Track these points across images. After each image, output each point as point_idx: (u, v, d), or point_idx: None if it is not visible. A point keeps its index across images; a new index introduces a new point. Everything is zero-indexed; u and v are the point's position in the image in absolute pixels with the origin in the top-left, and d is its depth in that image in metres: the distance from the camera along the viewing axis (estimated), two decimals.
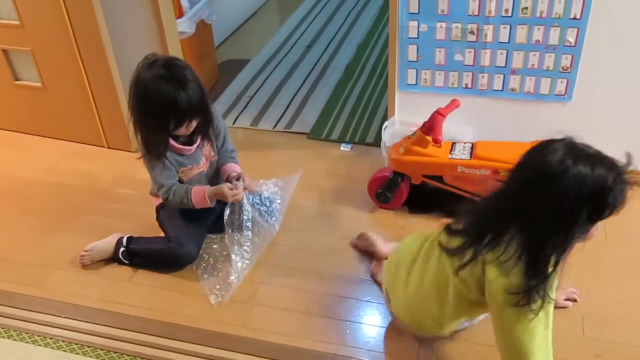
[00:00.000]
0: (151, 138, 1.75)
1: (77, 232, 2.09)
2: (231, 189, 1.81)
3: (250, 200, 1.91)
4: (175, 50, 2.46)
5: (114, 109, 2.46)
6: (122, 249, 1.91)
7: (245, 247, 1.87)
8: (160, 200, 1.95)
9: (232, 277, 1.84)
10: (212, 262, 1.92)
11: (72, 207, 2.24)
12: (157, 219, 1.97)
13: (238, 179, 1.86)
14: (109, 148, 2.60)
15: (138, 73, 1.69)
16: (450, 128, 2.06)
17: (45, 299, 1.83)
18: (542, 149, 1.27)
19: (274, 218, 2.00)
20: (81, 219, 2.17)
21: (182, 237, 1.86)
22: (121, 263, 1.92)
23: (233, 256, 1.86)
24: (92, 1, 2.20)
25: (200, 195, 1.81)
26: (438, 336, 1.60)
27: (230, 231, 1.85)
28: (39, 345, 1.69)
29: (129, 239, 1.93)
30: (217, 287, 1.82)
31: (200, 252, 1.93)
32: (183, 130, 1.76)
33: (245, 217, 1.86)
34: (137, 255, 1.92)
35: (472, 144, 2.00)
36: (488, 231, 1.29)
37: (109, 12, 2.30)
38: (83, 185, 2.37)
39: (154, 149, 1.77)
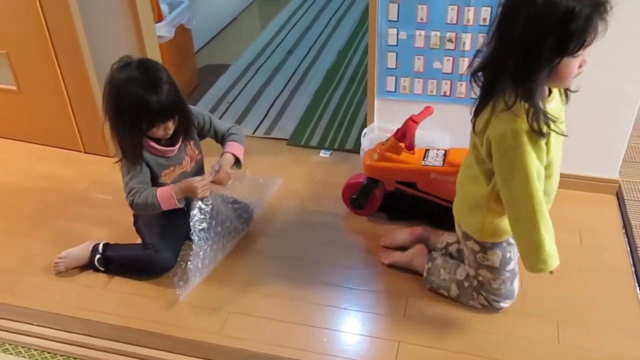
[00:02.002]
0: (125, 140, 1.73)
1: (50, 238, 2.06)
2: (198, 183, 1.75)
3: (225, 198, 1.89)
4: (154, 55, 2.44)
5: (91, 113, 2.43)
6: (97, 256, 1.88)
7: (208, 239, 1.82)
8: None
9: (191, 266, 1.79)
10: (183, 265, 1.89)
11: (46, 212, 2.20)
12: (135, 224, 1.95)
13: (219, 170, 1.82)
14: (85, 152, 2.57)
15: (111, 74, 1.68)
16: (428, 135, 2.07)
17: (16, 306, 1.80)
18: None
19: (244, 215, 1.99)
20: (55, 224, 2.14)
21: (159, 244, 1.84)
22: (97, 270, 1.90)
23: (194, 247, 1.79)
24: (69, 4, 2.18)
25: (167, 193, 1.75)
26: (492, 241, 1.60)
27: (195, 219, 1.78)
28: (10, 354, 1.66)
29: (105, 245, 1.90)
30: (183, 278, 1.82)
31: (178, 259, 1.91)
32: (160, 133, 1.74)
33: (209, 211, 1.80)
34: (113, 262, 1.89)
35: (445, 150, 2.01)
36: (486, 73, 1.37)
37: (86, 15, 2.27)
38: (58, 189, 2.33)
39: (129, 151, 1.75)
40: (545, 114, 1.32)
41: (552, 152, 1.41)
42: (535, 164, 1.37)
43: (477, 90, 1.43)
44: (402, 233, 1.97)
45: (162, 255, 1.83)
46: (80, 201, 2.27)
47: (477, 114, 1.45)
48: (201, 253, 1.81)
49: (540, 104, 1.32)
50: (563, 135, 1.41)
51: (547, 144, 1.37)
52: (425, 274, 1.78)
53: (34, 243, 2.05)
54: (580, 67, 1.32)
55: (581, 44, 1.24)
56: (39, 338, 1.71)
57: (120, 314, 1.76)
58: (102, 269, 1.89)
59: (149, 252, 1.82)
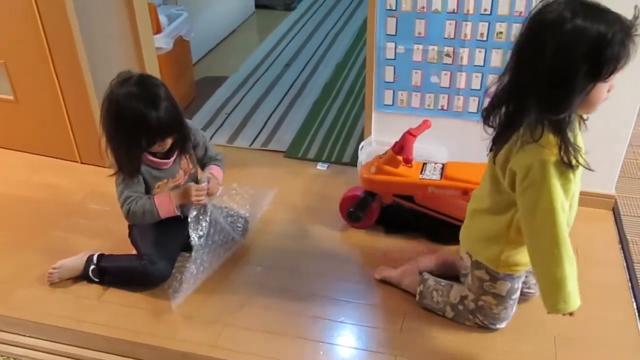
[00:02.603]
0: (123, 155, 1.73)
1: (45, 248, 2.04)
2: (196, 191, 1.76)
3: (220, 209, 1.89)
4: (152, 66, 2.44)
5: (88, 124, 2.43)
6: (92, 267, 1.87)
7: (205, 246, 1.82)
8: None
9: (186, 272, 1.80)
10: (179, 277, 1.88)
11: (42, 222, 2.19)
12: (130, 235, 1.94)
13: (209, 181, 1.84)
14: (82, 163, 2.56)
15: (111, 90, 1.68)
16: (425, 149, 2.07)
17: (9, 317, 1.78)
18: (543, 7, 1.26)
19: (239, 226, 1.99)
20: (50, 234, 2.13)
21: (154, 255, 1.83)
22: (91, 281, 1.88)
23: (193, 253, 1.80)
24: (68, 14, 2.18)
25: (166, 199, 1.76)
26: (508, 272, 1.57)
27: (193, 231, 1.79)
28: None
29: (100, 256, 1.89)
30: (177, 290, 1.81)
31: (174, 270, 1.90)
32: (157, 148, 1.74)
33: (208, 219, 1.81)
34: (108, 273, 1.88)
35: (443, 164, 2.01)
36: (508, 106, 1.34)
37: (85, 25, 2.28)
38: (54, 200, 2.32)
39: (126, 166, 1.74)
40: (574, 146, 1.30)
41: (577, 183, 1.39)
42: (560, 196, 1.34)
43: (491, 129, 1.42)
44: (426, 258, 1.92)
45: (158, 266, 1.82)
46: (76, 211, 2.25)
47: (497, 146, 1.41)
48: (198, 260, 1.81)
49: (570, 136, 1.30)
50: (589, 169, 1.37)
51: (573, 174, 1.35)
52: (417, 296, 1.76)
53: (29, 253, 2.03)
54: (608, 91, 1.30)
55: (614, 68, 1.22)
56: (31, 349, 1.70)
57: (113, 325, 1.74)
58: (97, 280, 1.87)
59: (144, 262, 1.81)
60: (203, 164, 1.97)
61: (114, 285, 1.88)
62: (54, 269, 1.88)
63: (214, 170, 1.93)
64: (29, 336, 1.73)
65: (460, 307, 1.69)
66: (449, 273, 1.84)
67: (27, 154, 2.62)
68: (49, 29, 2.24)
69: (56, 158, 2.58)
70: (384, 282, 1.87)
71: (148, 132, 1.67)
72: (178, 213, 1.79)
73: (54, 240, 2.10)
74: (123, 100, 1.64)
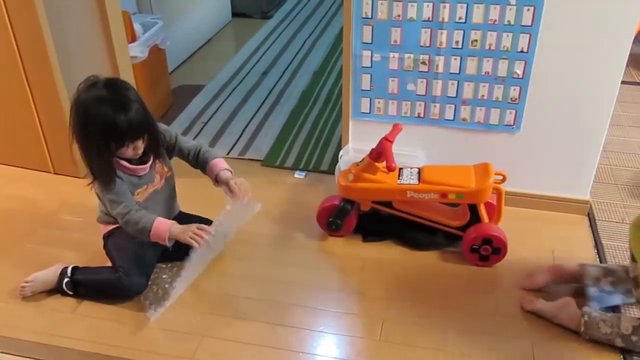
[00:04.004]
0: (95, 161, 1.70)
1: (17, 261, 2.00)
2: (198, 230, 1.72)
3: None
4: (127, 75, 2.42)
5: (61, 134, 2.37)
6: (66, 280, 1.83)
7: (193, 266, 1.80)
8: (108, 228, 1.88)
9: (172, 293, 1.80)
10: (160, 293, 1.86)
11: (13, 235, 2.14)
12: (105, 247, 1.91)
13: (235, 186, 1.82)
14: (55, 174, 2.52)
15: (78, 94, 1.66)
16: (402, 158, 2.07)
17: None
18: None
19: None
20: (22, 247, 2.08)
21: (129, 267, 1.80)
22: (65, 294, 1.84)
23: (183, 272, 1.79)
24: (40, 23, 2.15)
25: (164, 227, 1.73)
26: None
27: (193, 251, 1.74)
28: None
29: (74, 269, 1.85)
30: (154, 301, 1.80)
31: (150, 282, 1.87)
32: (130, 153, 1.72)
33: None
34: (82, 285, 1.84)
35: (419, 168, 2.02)
36: None
37: (58, 33, 2.24)
38: (26, 211, 2.28)
39: (100, 172, 1.72)
40: None
41: None
42: None
43: None
44: (541, 273, 1.87)
45: (133, 279, 1.79)
46: (49, 223, 2.21)
47: None
48: (186, 278, 1.80)
49: None
50: None
51: None
52: (582, 327, 1.67)
53: (1, 268, 1.98)
54: None
55: None
56: None
57: (89, 339, 1.71)
58: (71, 292, 1.84)
59: (119, 275, 1.78)
60: (193, 160, 1.93)
61: (88, 297, 1.84)
62: (26, 282, 1.84)
63: (222, 164, 1.90)
64: (1, 352, 1.68)
65: (635, 338, 1.61)
66: (566, 282, 1.83)
67: None
68: (20, 37, 2.20)
69: (29, 169, 2.54)
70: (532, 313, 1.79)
71: (118, 134, 1.64)
72: (168, 245, 1.76)
73: (27, 252, 2.05)
74: (91, 104, 1.62)
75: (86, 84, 1.67)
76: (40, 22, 2.15)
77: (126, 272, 1.78)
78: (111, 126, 1.62)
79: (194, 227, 1.74)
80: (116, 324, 1.76)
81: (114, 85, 1.67)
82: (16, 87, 2.31)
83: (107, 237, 1.90)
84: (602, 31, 1.88)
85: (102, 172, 1.72)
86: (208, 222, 1.90)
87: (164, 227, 1.74)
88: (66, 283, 1.83)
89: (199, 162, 1.93)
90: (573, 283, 1.84)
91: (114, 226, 1.88)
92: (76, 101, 1.66)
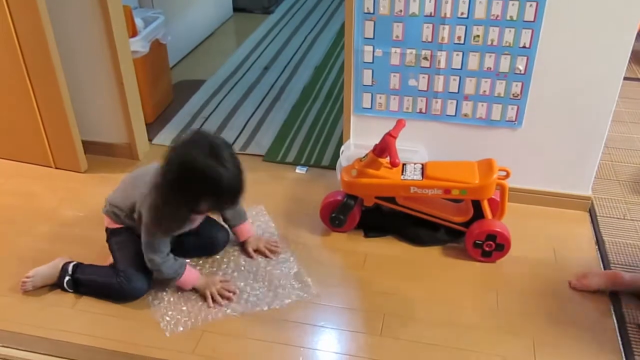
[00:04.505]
0: (172, 213, 1.67)
1: (18, 256, 2.00)
2: (222, 291, 1.82)
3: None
4: (127, 70, 2.41)
5: (62, 128, 2.39)
6: (67, 278, 1.82)
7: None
8: (114, 225, 1.87)
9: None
10: (163, 289, 1.85)
11: (14, 230, 2.14)
12: (108, 241, 1.90)
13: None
14: (56, 168, 2.51)
15: (193, 156, 1.59)
16: (403, 154, 2.07)
17: None
18: None
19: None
20: (23, 242, 2.08)
21: (131, 272, 1.78)
22: (65, 291, 1.84)
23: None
24: (41, 17, 2.14)
25: (191, 279, 1.81)
26: None
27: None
28: None
29: (75, 266, 1.85)
30: (169, 313, 1.77)
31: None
32: (208, 213, 1.80)
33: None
34: (83, 285, 1.84)
35: (422, 164, 2.02)
36: None
37: (59, 28, 2.24)
38: (26, 206, 2.28)
39: (169, 223, 1.71)
40: None
41: None
42: None
43: None
44: (596, 277, 1.87)
45: (135, 284, 1.78)
46: (50, 218, 2.21)
47: None
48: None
49: None
50: None
51: None
52: None
53: (2, 261, 1.98)
54: None
55: None
56: (3, 359, 1.66)
57: (89, 333, 1.71)
58: (71, 290, 1.83)
59: (120, 280, 1.77)
60: (229, 220, 1.99)
61: (88, 296, 1.84)
62: (27, 277, 1.83)
63: (251, 230, 2.01)
64: (2, 345, 1.68)
65: None
66: (621, 290, 1.83)
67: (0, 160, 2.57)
68: (21, 31, 2.20)
69: (29, 163, 2.53)
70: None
71: (221, 202, 1.68)
72: (188, 288, 1.84)
73: (27, 247, 2.05)
74: (206, 165, 1.57)
75: (192, 139, 1.63)
76: (41, 16, 2.14)
77: (127, 278, 1.77)
78: (220, 195, 1.62)
79: (218, 284, 1.82)
80: (116, 319, 1.76)
81: (225, 150, 1.62)
82: (17, 81, 2.30)
83: (111, 232, 1.89)
84: (604, 27, 1.87)
85: (173, 224, 1.72)
86: (225, 231, 1.98)
87: (190, 280, 1.81)
88: (67, 281, 1.82)
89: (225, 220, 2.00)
90: (629, 292, 1.82)
91: (120, 226, 1.87)
92: (182, 156, 1.60)
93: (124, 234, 1.85)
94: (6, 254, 2.02)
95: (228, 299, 1.81)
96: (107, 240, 1.90)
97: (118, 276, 1.78)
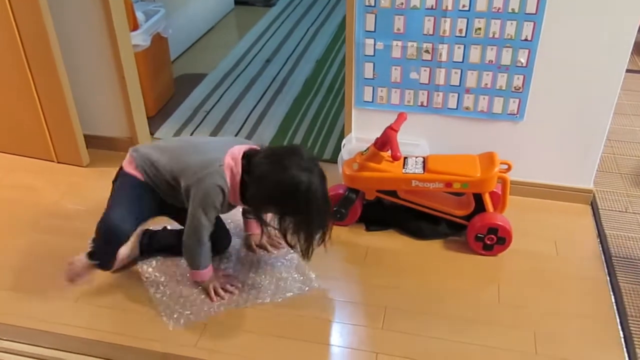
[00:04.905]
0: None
1: (20, 250, 2.00)
2: (227, 287, 1.82)
3: None
4: (129, 63, 2.41)
5: (64, 122, 2.39)
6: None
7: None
8: (135, 173, 1.77)
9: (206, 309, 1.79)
10: (165, 282, 1.86)
11: (17, 224, 2.15)
12: (115, 181, 1.83)
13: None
14: (58, 162, 2.52)
15: (311, 179, 1.62)
16: (404, 147, 2.07)
17: None
18: None
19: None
20: (26, 236, 2.09)
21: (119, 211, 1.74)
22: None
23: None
24: (42, 11, 2.14)
25: (206, 276, 1.80)
26: None
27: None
28: None
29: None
30: (172, 307, 1.77)
31: (157, 273, 1.88)
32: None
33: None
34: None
35: (424, 157, 2.01)
36: None
37: (60, 22, 2.24)
38: (29, 200, 2.28)
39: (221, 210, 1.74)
40: None
41: None
42: None
43: None
44: None
45: (117, 221, 1.72)
46: (52, 212, 2.21)
47: None
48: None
49: None
50: None
51: None
52: None
53: (6, 257, 1.99)
54: None
55: None
56: (7, 353, 1.66)
57: (91, 327, 1.72)
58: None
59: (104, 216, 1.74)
60: (247, 213, 2.00)
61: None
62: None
63: (256, 229, 2.00)
64: (6, 339, 1.69)
65: None
66: None
67: (1, 154, 2.57)
68: (22, 25, 2.20)
69: (31, 157, 2.54)
70: None
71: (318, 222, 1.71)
72: (198, 279, 1.82)
73: (30, 241, 2.06)
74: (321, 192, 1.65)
75: (308, 164, 1.64)
76: (42, 11, 2.14)
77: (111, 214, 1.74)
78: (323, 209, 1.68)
79: (220, 279, 1.83)
80: (118, 312, 1.77)
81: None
82: (19, 76, 2.31)
83: (122, 174, 1.81)
84: (606, 19, 1.86)
85: (224, 210, 1.75)
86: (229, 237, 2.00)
87: (204, 277, 1.79)
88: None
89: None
90: None
91: (140, 175, 1.78)
92: (302, 183, 1.61)
93: (132, 179, 1.78)
94: (8, 248, 2.03)
95: (231, 293, 1.81)
96: (114, 181, 1.83)
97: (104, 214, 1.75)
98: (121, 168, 1.82)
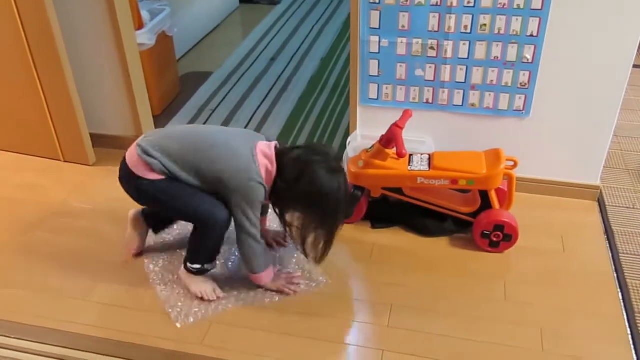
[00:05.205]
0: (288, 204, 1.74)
1: (28, 249, 2.02)
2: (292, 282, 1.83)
3: None
4: (134, 62, 2.41)
5: (70, 121, 2.40)
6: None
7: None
8: (152, 176, 1.66)
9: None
10: (172, 280, 1.87)
11: (24, 223, 2.16)
12: (143, 190, 1.70)
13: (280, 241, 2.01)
14: (65, 161, 2.53)
15: (335, 182, 1.65)
16: (410, 144, 2.07)
17: None
18: None
19: None
20: (32, 235, 2.10)
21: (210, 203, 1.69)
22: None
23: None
24: (47, 10, 2.15)
25: (267, 279, 1.80)
26: None
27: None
28: None
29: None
30: (179, 304, 1.78)
31: (164, 272, 1.89)
32: None
33: None
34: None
35: (429, 155, 2.01)
36: None
37: (65, 21, 2.25)
38: (35, 199, 2.29)
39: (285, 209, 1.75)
40: None
41: None
42: None
43: None
44: None
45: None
46: (60, 211, 2.22)
47: None
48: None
49: None
50: None
51: None
52: None
53: (13, 256, 2.00)
54: None
55: None
56: (16, 351, 1.67)
57: (100, 325, 1.73)
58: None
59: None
60: None
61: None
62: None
63: (265, 224, 2.00)
64: (14, 337, 1.70)
65: None
66: None
67: (8, 153, 2.58)
68: (27, 24, 2.21)
69: (38, 157, 2.55)
70: None
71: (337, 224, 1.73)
72: (260, 282, 1.82)
73: (37, 240, 2.07)
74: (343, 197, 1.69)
75: (334, 167, 1.67)
76: (48, 10, 2.15)
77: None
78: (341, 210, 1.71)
79: (282, 279, 1.83)
80: (126, 310, 1.78)
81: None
82: (24, 76, 2.32)
83: (148, 183, 1.67)
84: (613, 14, 1.85)
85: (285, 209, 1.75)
86: None
87: (266, 280, 1.79)
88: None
89: None
90: None
91: (162, 177, 1.67)
92: (332, 190, 1.65)
93: (171, 182, 1.68)
94: (15, 247, 2.04)
95: (298, 285, 1.83)
96: (142, 190, 1.70)
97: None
98: (137, 177, 1.68)
